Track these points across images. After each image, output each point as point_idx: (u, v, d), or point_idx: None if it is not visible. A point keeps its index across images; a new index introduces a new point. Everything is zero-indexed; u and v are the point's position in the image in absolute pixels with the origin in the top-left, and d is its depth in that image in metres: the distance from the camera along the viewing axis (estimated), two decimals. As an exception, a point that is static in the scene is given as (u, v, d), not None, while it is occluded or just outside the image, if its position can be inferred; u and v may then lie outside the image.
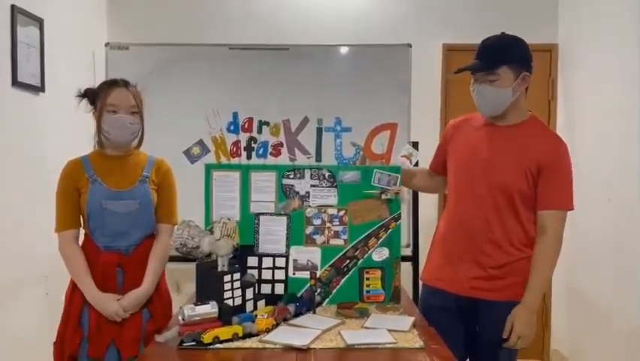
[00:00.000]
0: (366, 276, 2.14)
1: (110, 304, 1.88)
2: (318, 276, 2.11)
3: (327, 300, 2.12)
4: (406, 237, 3.21)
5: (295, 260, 2.13)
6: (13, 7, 2.54)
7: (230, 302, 1.83)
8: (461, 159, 2.02)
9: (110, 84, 1.97)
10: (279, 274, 2.12)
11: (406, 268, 2.48)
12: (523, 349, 1.95)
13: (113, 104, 1.93)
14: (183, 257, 1.95)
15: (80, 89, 1.97)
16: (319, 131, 2.14)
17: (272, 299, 1.99)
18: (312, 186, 2.16)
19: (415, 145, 2.34)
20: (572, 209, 1.90)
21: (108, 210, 1.92)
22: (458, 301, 1.98)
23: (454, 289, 1.98)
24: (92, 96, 1.96)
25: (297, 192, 2.16)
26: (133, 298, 1.92)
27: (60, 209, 1.95)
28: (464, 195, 1.98)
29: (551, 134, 1.96)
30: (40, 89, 2.76)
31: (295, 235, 2.14)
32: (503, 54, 1.86)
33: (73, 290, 1.93)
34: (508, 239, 1.91)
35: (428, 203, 3.32)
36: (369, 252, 2.15)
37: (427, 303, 2.08)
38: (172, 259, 2.06)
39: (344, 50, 3.48)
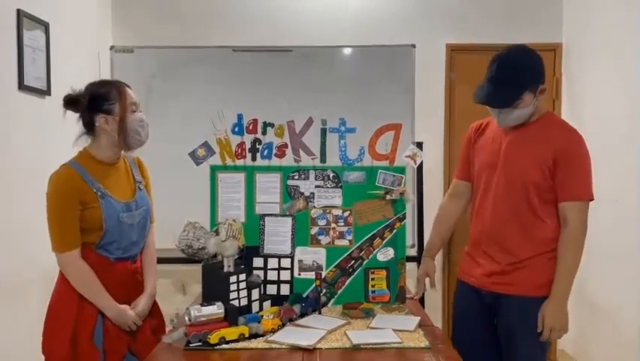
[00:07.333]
0: (371, 276, 2.15)
1: (129, 316, 1.87)
2: (323, 276, 2.11)
3: (332, 300, 2.13)
4: (411, 237, 3.21)
5: (300, 261, 2.14)
6: (18, 11, 2.56)
7: (236, 303, 1.84)
8: (483, 160, 2.03)
9: (118, 83, 1.89)
10: (285, 275, 2.13)
11: (412, 268, 2.48)
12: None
13: (134, 102, 1.87)
14: (189, 258, 1.96)
15: (77, 92, 1.84)
16: (323, 132, 2.14)
17: (278, 300, 2.00)
18: (316, 186, 2.17)
19: (420, 145, 2.33)
20: (592, 199, 1.89)
21: (124, 223, 1.87)
22: (483, 296, 2.00)
23: (478, 284, 2.01)
24: (97, 99, 1.83)
25: (302, 193, 2.17)
26: (144, 304, 1.92)
27: (64, 227, 1.79)
28: (485, 194, 2.00)
29: (565, 126, 1.96)
30: (46, 92, 2.77)
31: (300, 236, 2.15)
32: (523, 84, 1.85)
33: (80, 308, 1.82)
34: (526, 235, 1.91)
35: (433, 203, 3.31)
36: (375, 252, 2.15)
37: (456, 296, 2.15)
38: (178, 260, 2.07)
39: (347, 51, 3.48)
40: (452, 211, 2.21)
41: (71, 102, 1.84)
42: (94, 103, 1.84)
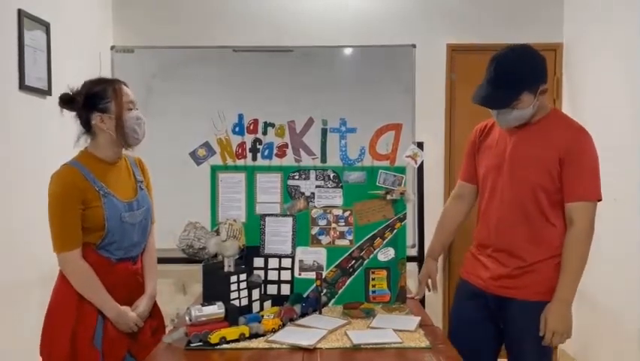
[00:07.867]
0: (371, 276, 2.15)
1: (130, 317, 1.86)
2: (324, 276, 2.12)
3: (333, 300, 2.13)
4: (411, 237, 3.21)
5: (301, 261, 2.14)
6: (19, 11, 2.56)
7: (236, 303, 1.85)
8: (488, 162, 2.02)
9: (115, 81, 1.88)
10: (285, 275, 2.13)
11: (412, 268, 2.48)
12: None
13: (130, 100, 1.86)
14: (189, 258, 1.96)
15: (73, 90, 1.84)
16: (324, 132, 2.15)
17: (278, 300, 2.00)
18: (317, 186, 2.17)
19: (420, 145, 2.34)
20: (600, 199, 1.85)
21: (127, 223, 1.87)
22: (487, 298, 1.99)
23: (484, 286, 1.99)
24: (92, 98, 1.82)
25: (303, 193, 2.17)
26: (145, 305, 1.92)
27: (65, 226, 1.77)
28: (491, 196, 1.98)
29: (572, 124, 1.90)
30: (47, 92, 2.78)
31: (301, 236, 2.15)
32: (522, 84, 1.82)
33: (80, 309, 1.81)
34: (535, 239, 1.89)
35: (434, 203, 3.32)
36: (375, 252, 2.15)
37: (460, 296, 2.12)
38: (178, 260, 2.07)
39: (348, 51, 3.49)
40: (454, 216, 2.21)
41: (67, 101, 1.84)
42: (89, 101, 1.83)
